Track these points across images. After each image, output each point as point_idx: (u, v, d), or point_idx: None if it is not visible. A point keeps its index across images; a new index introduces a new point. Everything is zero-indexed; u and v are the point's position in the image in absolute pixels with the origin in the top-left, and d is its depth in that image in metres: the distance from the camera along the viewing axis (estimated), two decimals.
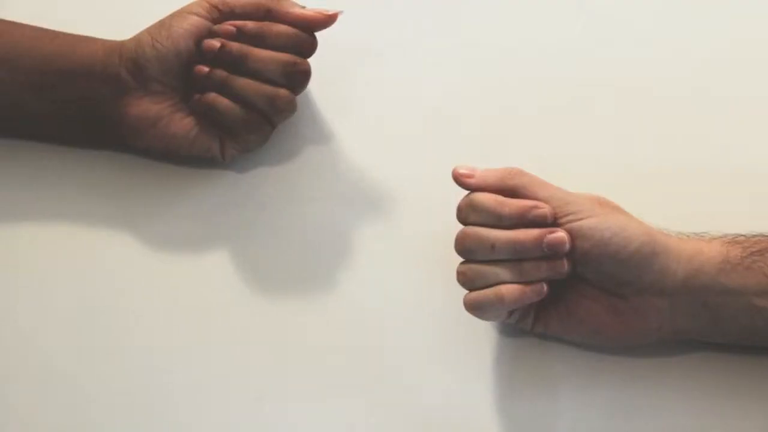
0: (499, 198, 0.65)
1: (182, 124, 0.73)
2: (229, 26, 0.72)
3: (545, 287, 0.64)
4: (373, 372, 0.69)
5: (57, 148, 0.76)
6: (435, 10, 0.81)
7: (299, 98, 0.74)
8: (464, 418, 0.67)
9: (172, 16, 0.73)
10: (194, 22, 0.72)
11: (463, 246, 0.65)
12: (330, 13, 0.72)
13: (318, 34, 0.73)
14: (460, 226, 0.66)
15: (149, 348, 0.71)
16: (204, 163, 0.75)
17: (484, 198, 0.65)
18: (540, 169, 0.67)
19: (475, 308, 0.64)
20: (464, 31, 0.80)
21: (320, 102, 0.78)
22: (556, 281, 0.65)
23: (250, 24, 0.72)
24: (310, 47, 0.73)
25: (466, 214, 0.66)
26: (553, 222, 0.64)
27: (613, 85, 0.77)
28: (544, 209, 0.64)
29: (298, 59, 0.72)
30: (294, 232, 0.74)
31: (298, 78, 0.73)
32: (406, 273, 0.72)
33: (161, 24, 0.73)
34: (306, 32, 0.72)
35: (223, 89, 0.72)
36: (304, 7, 0.73)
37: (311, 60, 0.73)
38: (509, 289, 0.63)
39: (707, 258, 0.63)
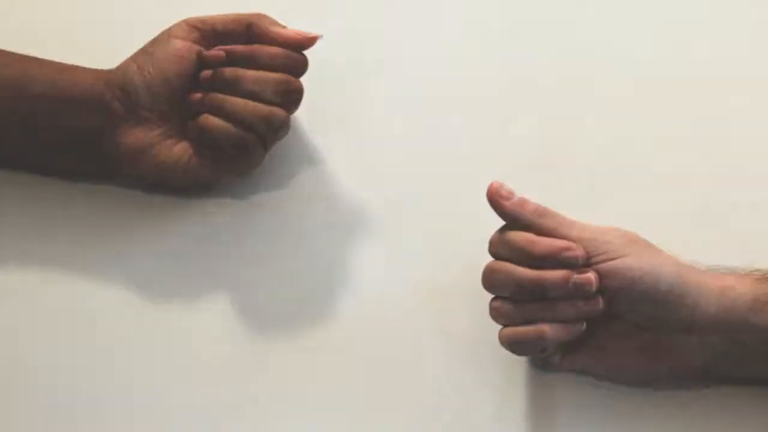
0: (531, 237, 0.65)
1: (174, 150, 0.72)
2: (218, 51, 0.72)
3: (584, 326, 0.64)
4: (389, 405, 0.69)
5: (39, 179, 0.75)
6: (427, 25, 0.81)
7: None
8: None
9: (155, 43, 0.72)
10: (178, 45, 0.72)
11: (490, 281, 0.66)
12: (310, 35, 0.72)
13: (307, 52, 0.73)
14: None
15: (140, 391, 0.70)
16: (197, 191, 0.75)
17: (518, 237, 0.65)
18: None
19: (512, 344, 0.65)
20: (459, 45, 0.80)
21: (311, 123, 0.77)
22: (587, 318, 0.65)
23: (239, 47, 0.72)
24: (301, 66, 0.72)
25: (496, 248, 0.66)
26: (584, 263, 0.64)
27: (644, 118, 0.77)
28: (576, 252, 0.64)
29: (290, 78, 0.72)
30: (292, 259, 0.73)
31: (292, 96, 0.72)
32: (410, 301, 0.72)
33: (145, 51, 0.72)
34: (295, 51, 0.72)
35: (217, 111, 0.71)
36: (284, 27, 0.73)
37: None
38: (551, 328, 0.64)
39: (738, 295, 0.63)
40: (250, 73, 0.71)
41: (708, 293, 0.64)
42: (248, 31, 0.72)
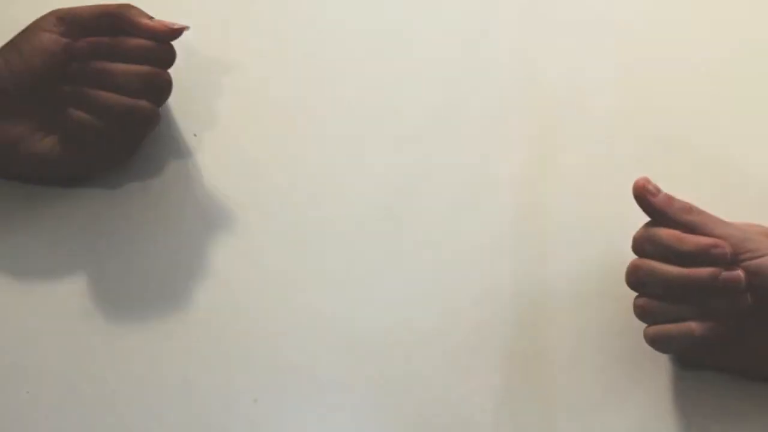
0: (679, 234, 0.64)
1: (44, 143, 0.72)
2: (83, 44, 0.71)
3: (731, 323, 0.64)
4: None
5: None
6: (300, 20, 0.80)
7: (165, 111, 0.74)
8: None
9: (22, 36, 0.71)
10: (44, 38, 0.71)
11: (636, 278, 0.65)
12: (175, 27, 0.71)
13: (177, 46, 0.72)
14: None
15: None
16: (72, 181, 0.74)
17: (664, 234, 0.65)
18: None
19: (659, 341, 0.65)
20: (329, 41, 0.79)
21: (184, 114, 0.77)
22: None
23: (105, 39, 0.71)
24: (168, 58, 0.72)
25: (641, 246, 0.66)
26: (732, 260, 0.63)
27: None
28: (724, 248, 0.63)
29: (157, 70, 0.71)
30: (160, 250, 0.73)
31: (159, 88, 0.72)
32: (257, 285, 0.72)
33: (12, 44, 0.71)
34: (162, 43, 0.71)
35: (83, 105, 0.70)
36: (152, 18, 0.72)
37: (176, 73, 0.73)
38: (699, 325, 0.63)
39: None
40: (117, 66, 0.70)
41: None
42: (115, 23, 0.71)
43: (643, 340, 0.67)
